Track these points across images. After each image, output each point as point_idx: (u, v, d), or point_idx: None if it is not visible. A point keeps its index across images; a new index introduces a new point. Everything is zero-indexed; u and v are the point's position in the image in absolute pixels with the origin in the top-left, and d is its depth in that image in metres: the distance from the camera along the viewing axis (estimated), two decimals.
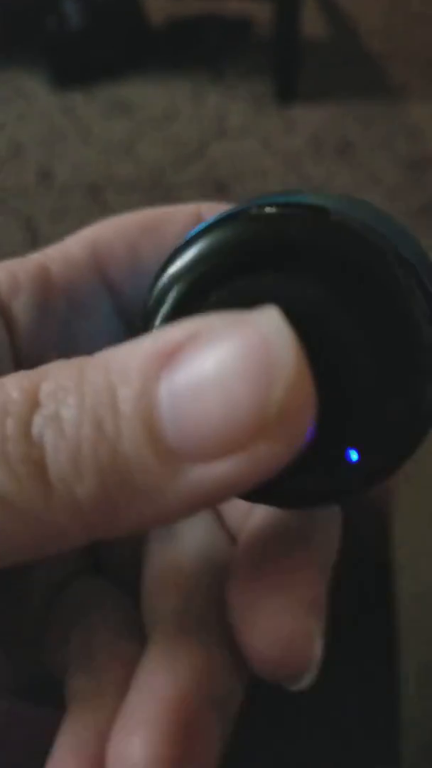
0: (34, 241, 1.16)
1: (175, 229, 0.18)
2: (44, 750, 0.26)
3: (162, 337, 0.11)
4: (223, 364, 0.11)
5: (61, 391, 0.11)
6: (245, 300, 0.12)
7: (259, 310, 0.11)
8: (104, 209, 1.22)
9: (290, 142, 1.34)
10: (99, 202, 1.23)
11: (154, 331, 0.12)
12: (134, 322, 0.18)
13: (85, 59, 1.46)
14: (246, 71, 1.48)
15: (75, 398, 0.11)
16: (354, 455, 0.13)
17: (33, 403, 0.11)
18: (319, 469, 0.13)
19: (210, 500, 0.11)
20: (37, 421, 0.11)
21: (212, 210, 0.18)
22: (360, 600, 0.32)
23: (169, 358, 0.11)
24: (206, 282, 0.13)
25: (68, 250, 0.18)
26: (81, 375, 0.12)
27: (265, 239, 0.12)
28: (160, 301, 0.13)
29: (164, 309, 0.13)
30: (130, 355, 0.11)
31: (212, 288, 0.12)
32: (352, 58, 1.54)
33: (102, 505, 0.11)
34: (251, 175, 1.28)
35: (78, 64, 1.46)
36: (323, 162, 1.31)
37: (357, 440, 0.12)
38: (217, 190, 1.25)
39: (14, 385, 0.12)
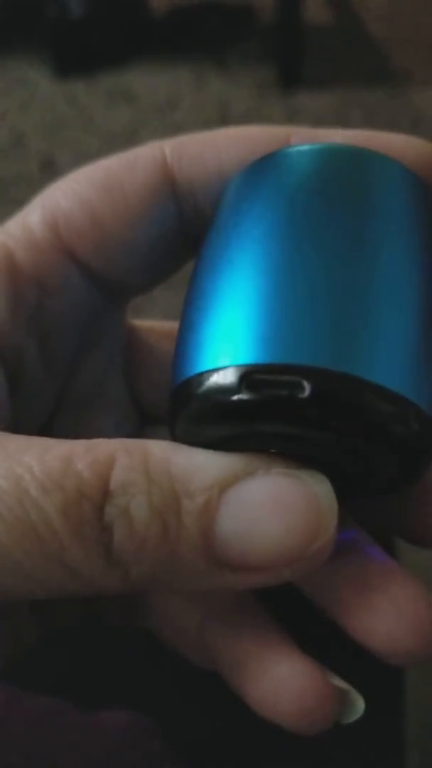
0: None
1: (137, 195, 0.18)
2: (42, 738, 0.26)
3: (223, 463, 0.14)
4: (280, 505, 0.13)
5: (131, 486, 0.13)
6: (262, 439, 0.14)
7: (310, 472, 0.14)
8: None
9: None
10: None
11: (212, 454, 0.14)
12: (104, 286, 0.18)
13: (87, 47, 1.45)
14: (248, 58, 1.47)
15: (144, 499, 0.13)
16: None
17: (105, 492, 0.13)
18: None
19: (232, 592, 0.14)
20: (109, 511, 0.13)
21: (184, 158, 0.18)
22: None
23: (229, 486, 0.13)
24: (234, 412, 0.14)
25: (30, 231, 0.18)
26: (147, 473, 0.13)
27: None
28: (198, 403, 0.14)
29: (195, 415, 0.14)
30: (193, 472, 0.13)
31: (238, 421, 0.14)
32: (355, 44, 1.52)
33: (148, 584, 0.14)
34: None
35: (80, 52, 1.45)
36: None
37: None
38: None
39: (85, 465, 0.13)
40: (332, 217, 0.15)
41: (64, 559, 0.13)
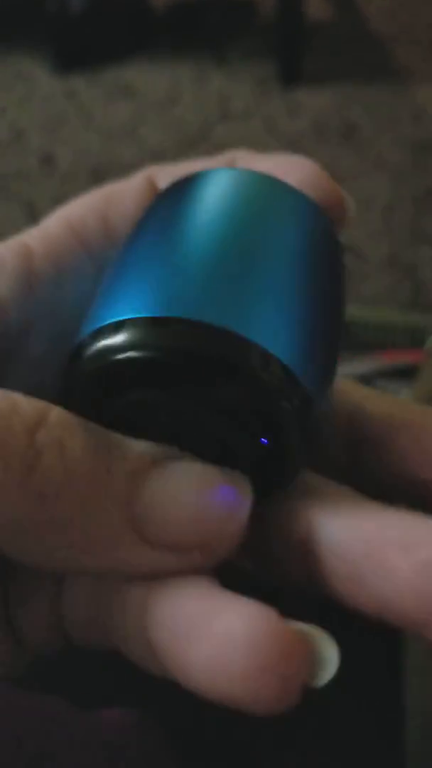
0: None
1: (132, 198, 0.20)
2: (39, 737, 0.26)
3: (152, 445, 0.14)
4: (199, 496, 0.14)
5: (69, 425, 0.14)
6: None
7: (229, 476, 0.14)
8: None
9: (294, 126, 1.33)
10: (102, 186, 1.22)
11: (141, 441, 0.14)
12: None
13: (87, 42, 1.44)
14: (249, 54, 1.47)
15: (81, 439, 0.13)
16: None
17: (41, 420, 0.13)
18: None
19: (138, 573, 0.14)
20: (41, 438, 0.13)
21: (162, 174, 0.21)
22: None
23: (158, 464, 0.14)
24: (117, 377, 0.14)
25: (46, 227, 0.20)
26: (86, 424, 0.14)
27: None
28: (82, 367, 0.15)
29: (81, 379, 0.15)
30: (127, 442, 0.14)
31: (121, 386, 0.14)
32: (356, 40, 1.52)
33: (58, 526, 0.13)
34: None
35: (80, 48, 1.45)
36: (327, 145, 1.29)
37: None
38: None
39: (28, 401, 0.14)
40: (226, 214, 0.16)
41: None
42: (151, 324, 0.14)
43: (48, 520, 0.13)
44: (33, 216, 1.17)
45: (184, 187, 0.18)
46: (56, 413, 0.14)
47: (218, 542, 0.14)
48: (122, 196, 0.20)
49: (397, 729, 0.30)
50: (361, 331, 0.80)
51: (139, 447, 0.14)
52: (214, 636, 0.12)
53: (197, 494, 0.14)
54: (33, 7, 1.45)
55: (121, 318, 0.14)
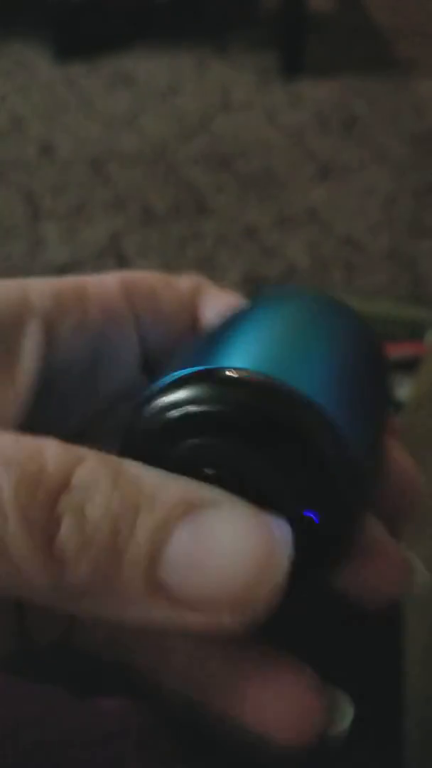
0: (36, 215, 1.15)
1: (175, 297, 0.21)
2: (35, 725, 0.26)
3: (192, 488, 0.14)
4: (237, 542, 0.13)
5: (94, 486, 0.13)
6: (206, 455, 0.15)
7: (275, 517, 0.13)
8: (106, 183, 1.20)
9: (296, 117, 1.33)
10: (101, 175, 1.22)
11: (183, 479, 0.14)
12: (151, 357, 0.21)
13: (88, 31, 1.44)
14: (251, 44, 1.46)
15: (102, 500, 0.13)
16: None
17: (64, 483, 0.13)
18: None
19: (163, 629, 0.13)
20: (63, 503, 0.13)
21: (209, 297, 0.21)
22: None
23: (192, 510, 0.13)
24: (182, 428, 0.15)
25: (103, 278, 0.20)
26: (115, 480, 0.13)
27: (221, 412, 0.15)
28: (152, 415, 0.15)
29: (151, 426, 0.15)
30: (162, 488, 0.13)
31: (187, 435, 0.15)
32: (359, 32, 1.51)
33: (79, 590, 0.13)
34: (255, 150, 1.26)
35: (80, 36, 1.44)
36: (329, 137, 1.29)
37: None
38: (220, 165, 1.24)
39: (52, 456, 0.13)
40: (300, 321, 0.18)
41: (1, 535, 0.13)
42: (211, 377, 0.15)
43: (70, 584, 0.13)
44: (32, 205, 1.16)
45: (267, 300, 0.19)
46: (82, 472, 0.13)
47: (249, 609, 0.13)
48: (170, 290, 0.21)
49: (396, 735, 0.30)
50: None
51: (173, 490, 0.13)
52: (264, 694, 0.15)
53: (227, 552, 0.13)
54: None
55: (182, 373, 0.15)
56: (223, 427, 0.14)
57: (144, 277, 0.20)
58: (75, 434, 0.20)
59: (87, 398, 0.20)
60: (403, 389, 0.61)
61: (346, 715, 0.15)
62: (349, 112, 1.33)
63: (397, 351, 0.79)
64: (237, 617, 0.13)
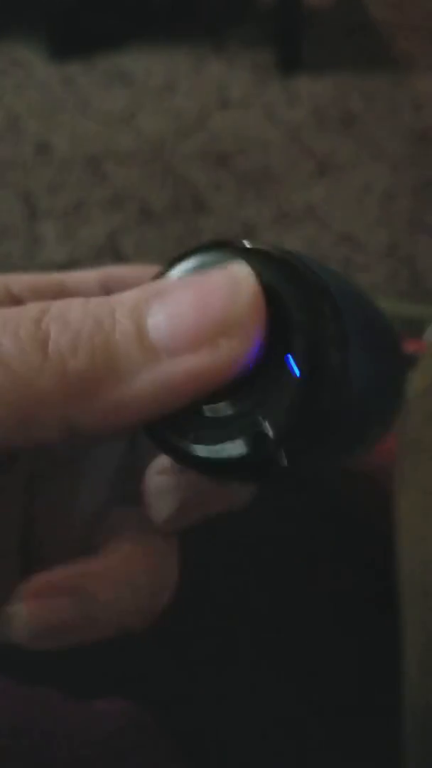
0: (33, 214, 1.15)
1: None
2: (33, 726, 0.26)
3: (155, 283, 0.16)
4: (200, 287, 0.15)
5: (68, 305, 0.15)
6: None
7: (235, 262, 0.15)
8: (104, 181, 1.20)
9: (293, 114, 1.32)
10: (98, 174, 1.21)
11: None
12: None
13: (84, 29, 1.43)
14: (248, 41, 1.46)
15: (81, 308, 0.15)
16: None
17: (43, 310, 0.15)
18: (240, 437, 0.15)
19: (174, 392, 0.14)
20: (46, 319, 0.15)
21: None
22: (363, 586, 0.32)
23: (157, 293, 0.15)
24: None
25: (83, 273, 0.21)
26: (85, 300, 0.15)
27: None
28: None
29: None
30: (126, 293, 0.15)
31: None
32: (356, 28, 1.51)
33: (86, 380, 0.14)
34: (253, 147, 1.26)
35: (76, 34, 1.43)
36: (327, 134, 1.29)
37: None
38: (218, 163, 1.23)
39: (32, 304, 0.15)
40: None
41: None
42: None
43: (76, 376, 0.14)
44: (29, 204, 1.16)
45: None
46: (56, 303, 0.15)
47: (237, 332, 0.14)
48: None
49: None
50: None
51: (134, 292, 0.15)
52: None
53: (196, 297, 0.14)
54: None
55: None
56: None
57: (121, 270, 0.21)
58: None
59: None
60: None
61: None
62: (346, 108, 1.33)
63: None
64: (233, 341, 0.14)
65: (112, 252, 1.10)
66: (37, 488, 0.20)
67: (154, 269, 0.21)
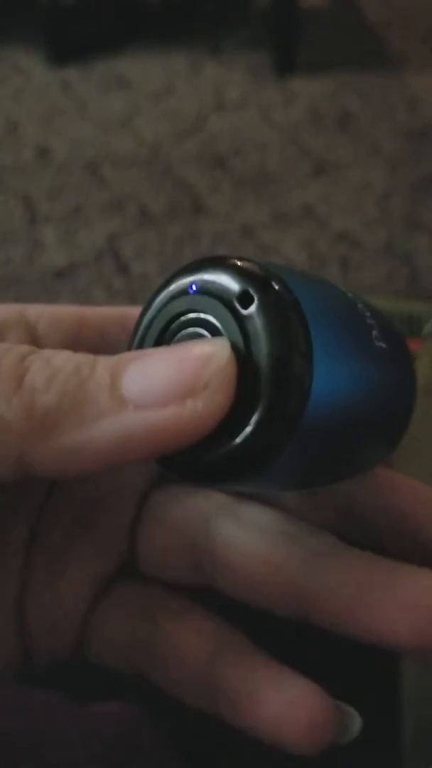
0: (33, 219, 1.15)
1: None
2: (33, 729, 0.26)
3: (142, 349, 0.16)
4: (179, 353, 0.15)
5: (59, 352, 0.16)
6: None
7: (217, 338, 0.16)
8: (103, 185, 1.21)
9: (290, 114, 1.33)
10: (97, 177, 1.22)
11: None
12: None
13: (81, 34, 1.44)
14: (244, 43, 1.46)
15: (66, 354, 0.15)
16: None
17: (34, 350, 0.15)
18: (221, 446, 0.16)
19: (134, 443, 0.15)
20: (32, 357, 0.15)
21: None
22: None
23: (143, 354, 0.15)
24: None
25: (103, 309, 0.21)
26: (75, 352, 0.16)
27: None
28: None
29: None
30: (114, 356, 0.16)
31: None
32: (351, 28, 1.52)
33: (50, 416, 0.15)
34: (250, 149, 1.27)
35: (74, 39, 1.44)
36: (323, 134, 1.29)
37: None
38: (215, 164, 1.24)
39: (26, 345, 0.16)
40: None
41: None
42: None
43: (42, 410, 0.15)
44: (29, 209, 1.17)
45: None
46: (48, 350, 0.16)
47: (201, 384, 0.15)
48: None
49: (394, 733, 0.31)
50: None
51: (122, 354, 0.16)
52: (279, 704, 0.17)
53: (171, 361, 0.15)
54: None
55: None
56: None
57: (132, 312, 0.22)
58: None
59: None
60: None
61: (356, 723, 0.17)
62: (342, 108, 1.34)
63: None
64: (198, 402, 0.15)
65: (111, 255, 1.10)
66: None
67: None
